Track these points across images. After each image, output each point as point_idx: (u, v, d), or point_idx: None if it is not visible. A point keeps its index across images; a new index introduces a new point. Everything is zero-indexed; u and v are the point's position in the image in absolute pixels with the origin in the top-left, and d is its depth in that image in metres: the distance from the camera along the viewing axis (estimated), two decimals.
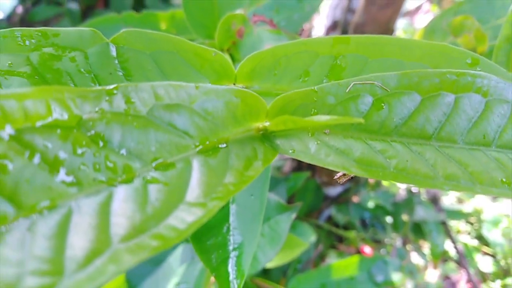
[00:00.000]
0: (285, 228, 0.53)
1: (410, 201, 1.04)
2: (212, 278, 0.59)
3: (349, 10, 0.92)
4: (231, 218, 0.33)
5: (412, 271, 1.12)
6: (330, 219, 1.15)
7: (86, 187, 0.12)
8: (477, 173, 0.17)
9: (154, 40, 0.25)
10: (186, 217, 0.12)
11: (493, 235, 1.25)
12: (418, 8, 1.38)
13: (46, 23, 1.43)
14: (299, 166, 1.02)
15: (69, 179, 0.12)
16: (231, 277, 0.33)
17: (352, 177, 0.23)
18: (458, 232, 1.32)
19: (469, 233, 1.32)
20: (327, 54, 0.26)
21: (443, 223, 1.12)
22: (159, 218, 0.12)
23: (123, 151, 0.13)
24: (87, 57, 0.23)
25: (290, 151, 0.16)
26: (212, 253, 0.33)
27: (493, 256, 1.27)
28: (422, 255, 1.23)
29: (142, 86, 0.14)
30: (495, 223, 1.26)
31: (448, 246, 1.24)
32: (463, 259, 1.09)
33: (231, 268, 0.32)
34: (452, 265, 1.31)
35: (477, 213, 1.32)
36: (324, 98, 0.17)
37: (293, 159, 1.05)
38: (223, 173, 0.14)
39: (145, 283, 0.64)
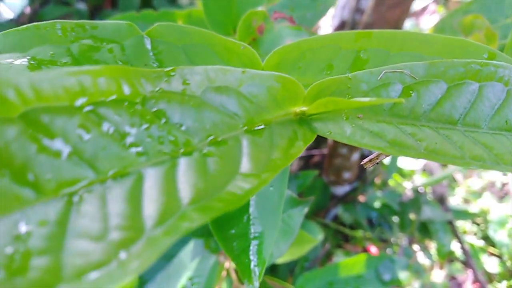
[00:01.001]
0: (298, 222, 0.54)
1: (417, 201, 1.05)
2: (224, 273, 0.60)
3: (357, 10, 0.94)
4: (251, 209, 0.35)
5: (418, 271, 1.13)
6: (336, 219, 1.16)
7: (152, 157, 0.13)
8: (501, 154, 0.18)
9: (186, 33, 0.26)
10: (243, 185, 0.14)
11: (499, 235, 1.26)
12: (424, 9, 1.40)
13: None
14: (307, 165, 1.04)
15: (138, 149, 0.13)
16: (252, 265, 0.34)
17: (377, 163, 0.24)
18: (464, 232, 1.33)
19: (475, 234, 1.32)
20: (350, 48, 0.27)
21: (450, 223, 1.13)
22: (220, 186, 0.13)
23: (183, 128, 0.14)
24: (123, 48, 0.24)
25: (328, 133, 0.18)
26: (233, 242, 0.34)
27: (499, 257, 1.27)
28: (428, 255, 1.24)
29: (196, 69, 0.16)
30: (502, 223, 1.27)
31: (454, 246, 1.25)
32: (469, 259, 1.10)
33: (252, 256, 0.33)
34: (458, 265, 1.32)
35: (483, 213, 1.32)
36: (357, 85, 0.19)
37: (300, 158, 1.06)
38: (269, 150, 0.16)
39: (157, 278, 0.65)
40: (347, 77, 0.19)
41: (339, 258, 1.08)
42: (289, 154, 0.16)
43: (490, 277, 1.26)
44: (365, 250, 1.11)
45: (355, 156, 0.95)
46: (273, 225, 0.35)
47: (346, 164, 0.96)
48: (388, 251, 1.18)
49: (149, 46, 0.25)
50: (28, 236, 0.11)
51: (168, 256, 0.67)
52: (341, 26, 0.91)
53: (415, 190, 1.12)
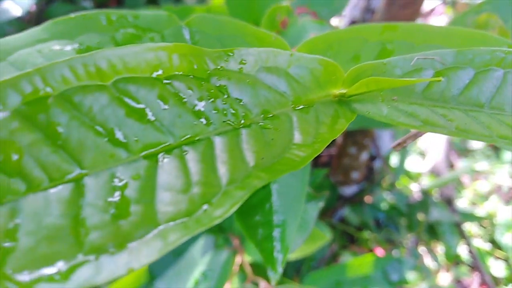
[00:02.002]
0: (313, 216, 0.55)
1: (425, 202, 1.07)
2: (235, 268, 0.61)
3: (367, 9, 0.96)
4: (274, 197, 0.36)
5: (425, 273, 1.14)
6: (343, 220, 1.17)
7: (219, 127, 0.15)
8: None
9: (221, 24, 0.28)
10: (299, 153, 0.15)
11: (506, 239, 1.27)
12: (432, 10, 1.42)
13: None
14: (315, 164, 1.05)
15: (206, 120, 0.15)
16: (275, 252, 0.35)
17: (405, 146, 0.26)
18: (471, 235, 1.34)
19: (481, 237, 1.34)
20: (376, 40, 0.29)
21: (457, 225, 1.15)
22: (278, 154, 0.15)
23: (242, 102, 0.16)
24: (163, 37, 0.26)
25: (366, 113, 0.19)
26: (256, 229, 0.36)
27: (505, 260, 1.29)
28: (435, 257, 1.25)
29: (251, 51, 0.17)
30: (508, 227, 1.28)
31: (461, 249, 1.26)
32: (477, 261, 1.11)
33: (275, 243, 0.35)
34: (464, 269, 1.33)
35: (490, 216, 1.34)
36: (392, 70, 0.21)
37: None
38: (317, 125, 0.18)
39: (167, 273, 0.66)
40: (382, 63, 0.21)
41: (346, 258, 1.09)
42: (334, 129, 0.17)
43: (496, 281, 1.27)
44: (371, 252, 1.13)
45: (364, 156, 0.97)
46: (295, 213, 0.37)
47: (355, 164, 0.97)
48: (395, 252, 1.19)
49: (187, 36, 0.26)
50: (125, 187, 0.12)
51: (178, 252, 0.69)
52: (352, 25, 0.93)
53: (424, 192, 1.13)
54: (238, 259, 0.62)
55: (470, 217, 1.21)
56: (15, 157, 0.11)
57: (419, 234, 1.11)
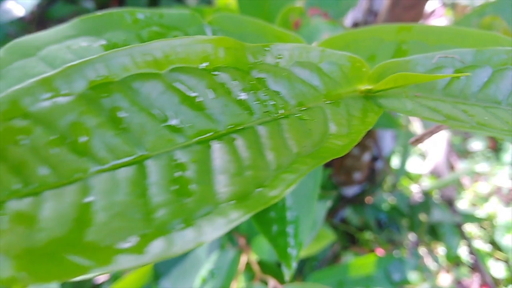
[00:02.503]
0: (321, 215, 0.56)
1: (426, 203, 1.08)
2: (241, 266, 0.62)
3: (370, 11, 0.97)
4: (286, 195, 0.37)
5: (426, 273, 1.15)
6: (344, 220, 1.18)
7: (261, 117, 0.16)
8: None
9: (242, 23, 0.29)
10: (337, 142, 0.17)
11: (506, 240, 1.28)
12: (432, 12, 1.44)
13: (61, 21, 1.47)
14: None
15: (250, 110, 0.16)
16: (289, 248, 0.36)
17: (421, 142, 0.27)
18: (471, 237, 1.36)
19: (481, 238, 1.35)
20: (391, 40, 0.30)
21: (458, 226, 1.16)
22: (317, 143, 0.16)
23: (280, 95, 0.17)
24: (187, 35, 0.27)
25: (392, 108, 0.21)
26: (271, 225, 0.36)
27: (505, 261, 1.30)
28: (435, 258, 1.27)
29: (286, 46, 0.18)
30: (508, 228, 1.30)
31: (461, 250, 1.28)
32: (478, 262, 1.13)
33: (289, 239, 0.36)
34: (464, 270, 1.35)
35: (490, 218, 1.35)
36: (415, 67, 0.22)
37: None
38: (348, 118, 0.19)
39: (172, 272, 0.67)
40: (406, 60, 0.22)
41: (348, 258, 1.10)
42: (365, 122, 0.19)
43: (496, 282, 1.29)
44: (372, 252, 1.14)
45: (366, 156, 0.98)
46: (309, 210, 0.38)
47: (357, 164, 0.99)
48: (396, 253, 1.20)
49: (210, 35, 0.27)
50: (184, 169, 0.13)
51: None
52: (354, 27, 0.94)
53: (425, 193, 1.15)
54: (243, 258, 0.63)
55: (470, 218, 1.22)
56: (84, 138, 0.12)
57: (420, 235, 1.13)
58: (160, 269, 0.70)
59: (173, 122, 0.14)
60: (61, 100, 0.12)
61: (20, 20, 1.27)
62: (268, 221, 0.36)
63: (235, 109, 0.16)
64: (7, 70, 0.23)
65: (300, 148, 0.16)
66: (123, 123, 0.13)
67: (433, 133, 0.25)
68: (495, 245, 1.34)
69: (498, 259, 1.32)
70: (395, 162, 1.19)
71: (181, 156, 0.14)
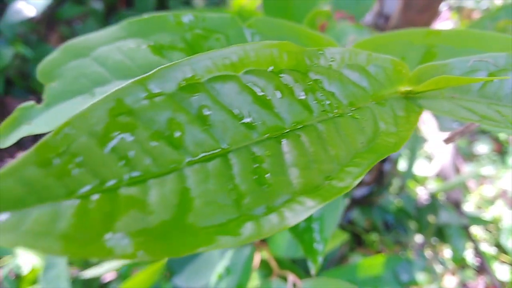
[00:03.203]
0: (339, 212, 0.58)
1: (434, 205, 1.10)
2: (255, 264, 0.63)
3: (380, 15, 0.99)
4: None
5: (432, 275, 1.17)
6: (351, 222, 1.19)
7: (319, 116, 0.18)
8: None
9: (279, 26, 0.30)
10: (389, 140, 0.18)
11: (511, 243, 1.29)
12: (438, 15, 1.45)
13: (70, 21, 1.49)
14: None
15: (309, 109, 0.18)
16: (315, 243, 0.38)
17: (454, 141, 0.28)
18: (477, 239, 1.37)
19: (487, 241, 1.37)
20: (420, 43, 0.32)
21: (465, 228, 1.17)
22: (372, 139, 0.18)
23: (335, 95, 0.19)
24: (228, 38, 0.29)
25: (431, 108, 0.22)
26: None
27: (511, 264, 1.31)
28: (441, 260, 1.28)
29: (337, 49, 0.20)
30: None
31: (467, 253, 1.29)
32: (484, 264, 1.14)
33: (315, 234, 0.38)
34: (469, 272, 1.36)
35: (496, 221, 1.37)
36: (451, 70, 0.23)
37: None
38: (395, 117, 0.20)
39: (185, 270, 0.68)
40: (443, 64, 0.23)
41: (356, 259, 1.12)
42: (410, 121, 0.20)
43: (501, 285, 1.30)
44: (380, 254, 1.15)
45: None
46: (333, 207, 0.39)
47: None
48: (402, 255, 1.22)
49: (250, 38, 0.29)
50: (262, 162, 0.15)
51: None
52: None
53: (432, 195, 1.16)
54: (257, 256, 0.64)
55: (477, 220, 1.24)
56: (178, 133, 0.14)
57: (428, 236, 1.14)
58: (174, 267, 0.71)
59: (248, 119, 0.16)
60: (157, 99, 0.14)
61: (29, 20, 1.29)
62: None
63: (298, 108, 0.17)
64: (64, 69, 0.24)
65: (357, 144, 0.17)
66: (208, 120, 0.15)
67: (465, 133, 0.26)
68: (501, 248, 1.36)
69: (503, 262, 1.33)
70: (402, 164, 1.20)
71: (257, 150, 0.15)
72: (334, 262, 1.13)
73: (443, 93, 0.23)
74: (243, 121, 0.15)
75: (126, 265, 0.77)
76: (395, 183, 1.21)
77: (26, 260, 0.82)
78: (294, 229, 0.38)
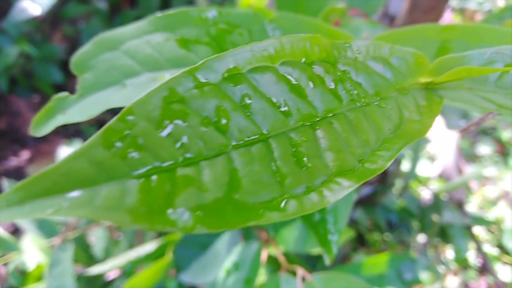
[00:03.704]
0: (351, 206, 0.59)
1: (437, 204, 1.11)
2: (263, 260, 0.64)
3: (385, 15, 1.00)
4: None
5: (435, 274, 1.18)
6: (354, 221, 1.20)
7: (348, 105, 0.19)
8: None
9: (299, 22, 0.31)
10: (414, 127, 0.19)
11: None
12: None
13: (74, 21, 1.49)
14: None
15: (339, 98, 0.19)
16: (329, 235, 0.39)
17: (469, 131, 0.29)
18: (479, 240, 1.38)
19: (489, 242, 1.38)
20: (436, 38, 0.33)
21: (468, 228, 1.19)
22: (399, 126, 0.19)
23: (362, 85, 0.20)
24: (251, 33, 0.30)
25: (451, 98, 0.23)
26: (311, 215, 0.39)
27: None
28: (444, 260, 1.29)
29: (362, 42, 0.21)
30: None
31: (469, 254, 1.30)
32: (487, 265, 1.15)
33: (329, 226, 0.39)
34: (472, 273, 1.37)
35: (498, 221, 1.38)
36: (470, 62, 0.24)
37: None
38: (417, 106, 0.21)
39: (193, 265, 0.69)
40: (462, 56, 0.24)
41: (359, 258, 1.13)
42: (433, 110, 0.21)
43: (503, 286, 1.31)
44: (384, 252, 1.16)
45: None
46: (346, 199, 0.40)
47: None
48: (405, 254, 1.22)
49: (271, 33, 0.30)
50: (299, 146, 0.16)
51: (204, 245, 0.72)
52: None
53: (435, 195, 1.17)
54: (264, 252, 0.65)
55: (480, 221, 1.25)
56: (224, 120, 0.15)
57: (431, 236, 1.15)
58: (180, 263, 0.72)
59: (285, 108, 0.17)
60: (205, 88, 0.15)
61: (33, 19, 1.29)
62: None
63: (329, 97, 0.18)
64: (95, 61, 0.26)
65: (385, 130, 0.18)
66: (250, 108, 0.16)
67: (481, 123, 0.27)
68: (503, 249, 1.37)
69: (505, 263, 1.34)
70: (405, 165, 1.22)
71: (294, 136, 0.16)
72: (337, 262, 1.13)
73: (461, 84, 0.24)
74: (280, 109, 0.17)
75: (130, 262, 0.77)
76: (398, 183, 1.22)
77: (32, 256, 0.83)
78: (309, 221, 0.39)
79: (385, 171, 1.02)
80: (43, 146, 1.34)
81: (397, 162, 1.11)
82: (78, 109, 0.24)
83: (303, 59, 0.18)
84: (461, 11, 1.66)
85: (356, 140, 0.17)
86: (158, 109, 0.14)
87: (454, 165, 1.35)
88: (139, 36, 0.27)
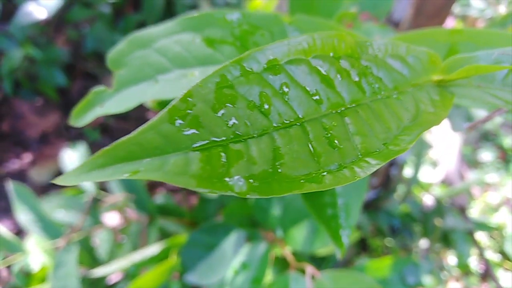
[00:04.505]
0: (362, 202, 0.61)
1: (440, 209, 1.13)
2: (270, 261, 0.66)
3: (389, 21, 1.03)
4: None
5: (437, 279, 1.19)
6: (356, 226, 1.22)
7: (370, 97, 0.21)
8: None
9: (317, 24, 0.34)
10: (430, 117, 0.22)
11: None
12: None
13: (77, 24, 1.52)
14: None
15: (363, 90, 0.21)
16: (341, 229, 0.41)
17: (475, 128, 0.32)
18: (481, 246, 1.40)
19: (491, 248, 1.40)
20: (445, 41, 0.35)
21: (470, 234, 1.21)
22: (416, 117, 0.21)
23: (382, 79, 0.22)
24: (272, 34, 0.32)
25: (461, 95, 0.26)
26: (325, 210, 0.41)
27: None
28: (445, 266, 1.31)
29: (382, 41, 0.24)
30: None
31: (471, 260, 1.32)
32: (490, 270, 1.17)
33: (341, 221, 0.41)
34: (473, 279, 1.39)
35: (499, 228, 1.40)
36: (478, 61, 0.27)
37: None
38: (431, 100, 0.24)
39: (199, 265, 0.71)
40: (471, 56, 0.27)
41: (362, 261, 1.14)
42: (445, 104, 0.24)
43: None
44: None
45: None
46: (357, 196, 0.42)
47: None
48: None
49: (291, 34, 0.32)
50: (330, 129, 0.18)
51: (210, 246, 0.74)
52: None
53: (438, 200, 1.20)
54: (272, 253, 0.67)
55: (483, 226, 1.27)
56: (266, 105, 0.17)
57: (434, 241, 1.17)
58: (186, 264, 0.74)
59: (317, 96, 0.19)
60: (250, 76, 0.17)
61: (38, 22, 1.32)
62: (322, 206, 0.41)
63: (354, 88, 0.21)
64: (129, 59, 0.28)
65: (404, 120, 0.21)
66: (287, 95, 0.18)
67: (486, 121, 0.30)
68: (505, 255, 1.38)
69: (507, 269, 1.36)
70: (407, 171, 1.24)
71: (326, 121, 0.19)
72: (340, 266, 1.15)
73: (471, 82, 0.27)
74: (313, 97, 0.19)
75: (134, 264, 0.79)
76: (400, 189, 1.24)
77: (36, 258, 0.84)
78: (321, 217, 0.41)
79: (388, 175, 1.04)
80: (46, 149, 1.36)
81: (400, 167, 1.14)
82: (115, 102, 0.27)
83: (332, 54, 0.21)
84: (463, 18, 1.70)
85: (379, 127, 0.20)
86: (212, 93, 0.16)
87: (456, 171, 1.37)
88: (168, 36, 0.30)
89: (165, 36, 0.30)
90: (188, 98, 0.15)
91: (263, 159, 0.16)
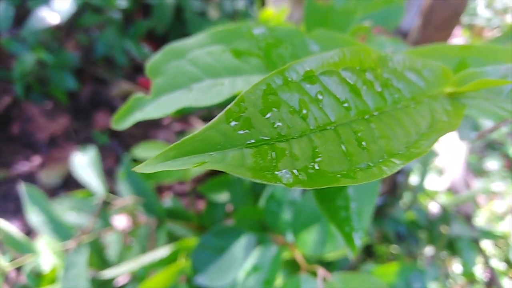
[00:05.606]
0: (373, 206, 0.63)
1: (446, 216, 1.15)
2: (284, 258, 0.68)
3: (398, 31, 1.06)
4: (349, 188, 0.45)
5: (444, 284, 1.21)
6: None
7: (391, 106, 0.24)
8: None
9: (336, 39, 0.37)
10: (445, 125, 0.24)
11: None
12: None
13: (87, 29, 1.56)
14: None
15: (384, 100, 0.24)
16: (354, 232, 0.44)
17: (484, 137, 0.35)
18: (486, 254, 1.42)
19: (496, 257, 1.42)
20: (455, 56, 0.38)
21: (476, 242, 1.23)
22: (432, 125, 0.24)
23: (401, 90, 0.25)
24: (294, 46, 0.35)
25: (471, 106, 0.29)
26: (337, 213, 0.44)
27: None
28: (450, 275, 1.33)
29: (399, 56, 0.27)
30: None
31: (476, 268, 1.33)
32: (495, 278, 1.19)
33: (354, 223, 0.44)
34: (479, 287, 1.40)
35: (505, 236, 1.42)
36: (487, 76, 0.30)
37: None
38: (445, 110, 0.27)
39: (208, 269, 0.73)
40: (481, 71, 0.30)
41: (368, 267, 1.16)
42: (458, 113, 0.27)
43: None
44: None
45: None
46: (370, 200, 0.45)
47: None
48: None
49: (312, 46, 0.36)
50: (358, 132, 0.21)
51: (220, 249, 0.76)
52: None
53: (444, 208, 1.22)
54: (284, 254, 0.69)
55: (488, 234, 1.29)
56: (305, 110, 0.20)
57: (439, 248, 1.19)
58: (197, 266, 0.76)
59: (346, 104, 0.22)
60: (291, 85, 0.20)
61: (49, 27, 1.35)
62: (336, 209, 0.44)
63: (377, 98, 0.24)
64: (165, 68, 0.31)
65: (421, 127, 0.24)
66: (322, 102, 0.21)
67: (494, 130, 0.33)
68: (510, 264, 1.40)
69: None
70: (413, 178, 1.26)
71: (355, 126, 0.22)
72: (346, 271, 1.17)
73: (480, 94, 0.30)
74: (344, 105, 0.22)
75: (143, 267, 0.81)
76: (406, 196, 1.27)
77: (47, 259, 0.86)
78: (335, 219, 0.44)
79: (394, 183, 1.07)
80: (55, 152, 1.39)
81: (406, 175, 1.16)
82: (154, 108, 0.30)
83: (358, 67, 0.24)
84: (470, 27, 1.73)
85: (401, 132, 0.23)
86: (260, 99, 0.19)
87: (462, 179, 1.40)
88: (200, 47, 0.33)
89: (197, 48, 0.33)
90: (241, 103, 0.18)
91: (304, 156, 0.19)
